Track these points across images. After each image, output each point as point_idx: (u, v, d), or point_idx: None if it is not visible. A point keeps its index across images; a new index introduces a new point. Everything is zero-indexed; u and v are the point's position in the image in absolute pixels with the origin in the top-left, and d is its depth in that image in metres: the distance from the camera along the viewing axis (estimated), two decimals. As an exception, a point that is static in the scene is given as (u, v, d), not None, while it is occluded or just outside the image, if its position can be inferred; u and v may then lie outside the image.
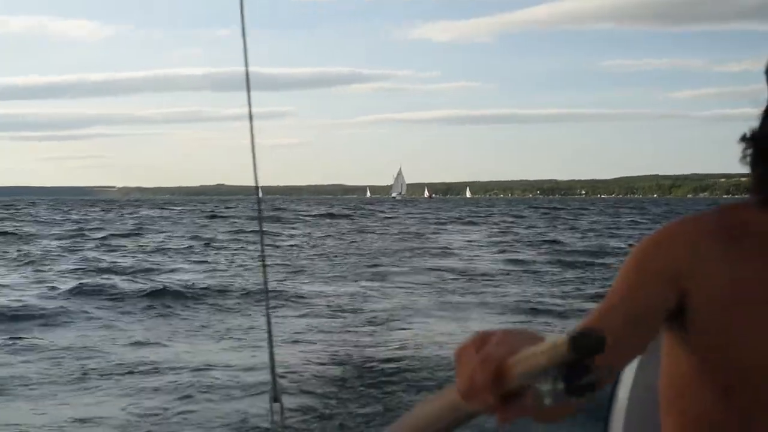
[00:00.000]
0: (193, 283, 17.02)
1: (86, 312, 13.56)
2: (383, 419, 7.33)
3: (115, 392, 8.57)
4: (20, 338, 11.31)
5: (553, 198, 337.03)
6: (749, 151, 1.51)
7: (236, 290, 16.06)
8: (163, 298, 14.84)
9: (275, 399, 1.34)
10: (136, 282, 16.96)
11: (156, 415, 7.79)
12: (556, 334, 1.04)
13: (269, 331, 1.53)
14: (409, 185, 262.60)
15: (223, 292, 15.85)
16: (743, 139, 1.52)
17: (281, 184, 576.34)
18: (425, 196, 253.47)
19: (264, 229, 6.16)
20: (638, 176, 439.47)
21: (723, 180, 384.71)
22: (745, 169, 1.51)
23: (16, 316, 13.04)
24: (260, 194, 1.67)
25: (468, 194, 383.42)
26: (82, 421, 7.64)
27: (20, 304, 14.08)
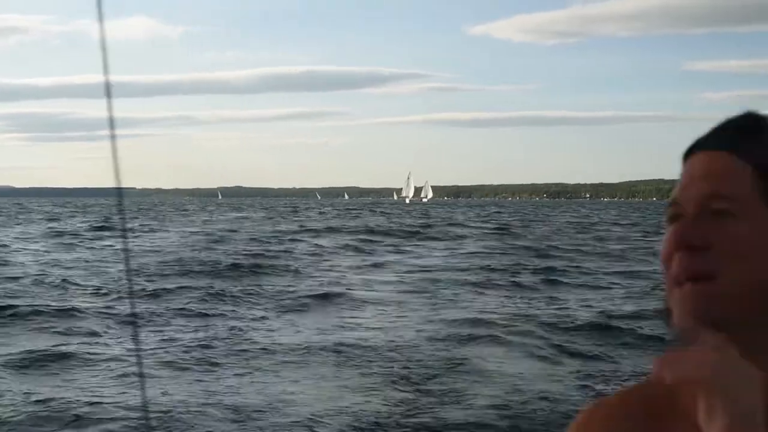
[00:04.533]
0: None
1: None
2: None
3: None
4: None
5: (558, 201, 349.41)
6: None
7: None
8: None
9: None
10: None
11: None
12: None
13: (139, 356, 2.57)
14: (420, 188, 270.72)
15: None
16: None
17: (296, 186, 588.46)
18: (425, 198, 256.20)
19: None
20: (642, 180, 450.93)
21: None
22: None
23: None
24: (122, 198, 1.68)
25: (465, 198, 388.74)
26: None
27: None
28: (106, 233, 35.92)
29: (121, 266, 20.68)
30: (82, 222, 51.00)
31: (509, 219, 67.13)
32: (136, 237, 33.41)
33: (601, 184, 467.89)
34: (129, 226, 43.20)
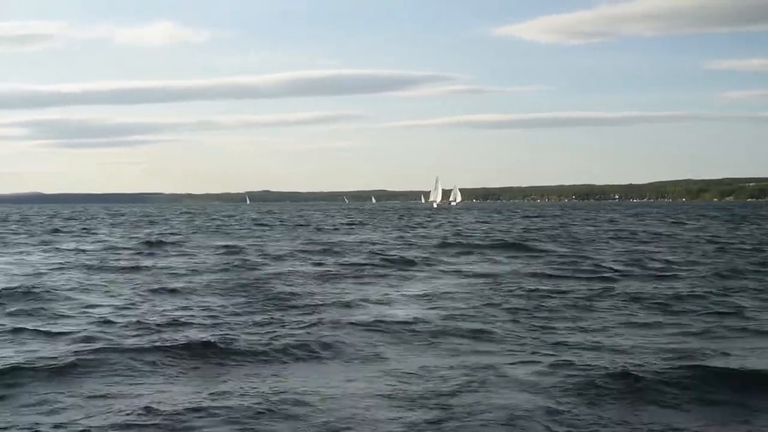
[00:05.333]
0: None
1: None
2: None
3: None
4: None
5: (588, 202, 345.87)
6: None
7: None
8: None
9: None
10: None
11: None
12: None
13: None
14: (449, 191, 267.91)
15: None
16: None
17: (324, 190, 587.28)
18: (454, 202, 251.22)
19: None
20: (671, 181, 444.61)
21: (752, 184, 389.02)
22: None
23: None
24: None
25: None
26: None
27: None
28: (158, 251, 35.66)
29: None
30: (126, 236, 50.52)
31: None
32: (179, 255, 33.24)
33: (630, 185, 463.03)
34: (171, 240, 43.20)
